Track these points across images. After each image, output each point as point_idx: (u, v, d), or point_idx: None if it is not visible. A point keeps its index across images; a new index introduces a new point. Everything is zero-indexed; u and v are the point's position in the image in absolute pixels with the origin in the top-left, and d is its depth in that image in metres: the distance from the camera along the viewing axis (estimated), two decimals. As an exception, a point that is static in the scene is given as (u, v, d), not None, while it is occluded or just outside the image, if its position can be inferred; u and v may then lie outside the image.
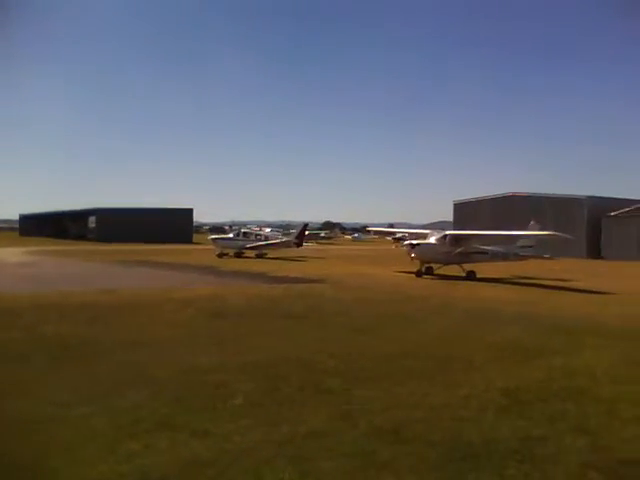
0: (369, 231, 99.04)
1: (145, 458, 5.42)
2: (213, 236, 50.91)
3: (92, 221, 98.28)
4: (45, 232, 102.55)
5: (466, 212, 66.30)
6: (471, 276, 27.72)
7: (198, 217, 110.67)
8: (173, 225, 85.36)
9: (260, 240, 46.69)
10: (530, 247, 31.56)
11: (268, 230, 72.13)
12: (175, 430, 6.17)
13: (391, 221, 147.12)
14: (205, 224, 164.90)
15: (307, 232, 54.46)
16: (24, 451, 5.64)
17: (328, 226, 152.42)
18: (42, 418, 6.48)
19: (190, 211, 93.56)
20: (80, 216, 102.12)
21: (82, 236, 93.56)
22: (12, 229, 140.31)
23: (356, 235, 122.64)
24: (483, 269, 28.82)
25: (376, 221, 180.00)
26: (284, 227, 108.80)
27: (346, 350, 10.46)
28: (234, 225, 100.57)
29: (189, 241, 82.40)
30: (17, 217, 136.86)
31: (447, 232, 30.76)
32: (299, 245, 47.61)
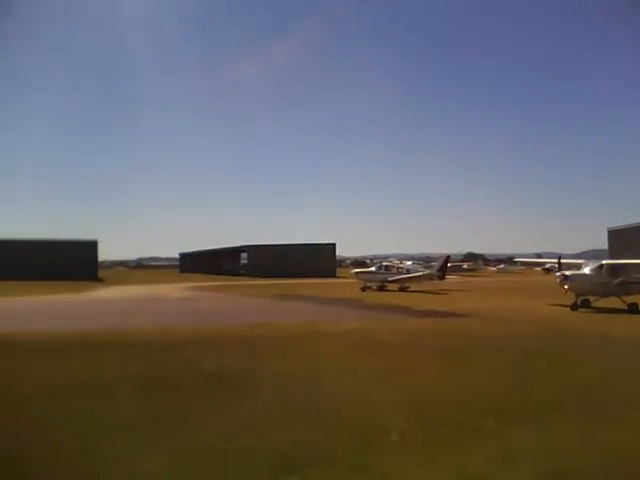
0: (516, 262, 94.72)
1: None
2: (356, 270, 51.89)
3: (244, 257, 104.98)
4: (201, 268, 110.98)
5: (623, 239, 61.26)
6: (634, 309, 25.55)
7: (341, 252, 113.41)
8: (317, 260, 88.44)
9: (402, 273, 46.78)
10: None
11: (409, 263, 71.75)
12: (333, 464, 6.22)
13: (538, 251, 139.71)
14: (347, 258, 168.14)
15: (449, 264, 53.50)
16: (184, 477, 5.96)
17: (471, 257, 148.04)
18: (205, 449, 6.73)
19: (333, 246, 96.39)
20: (232, 253, 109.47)
21: (234, 272, 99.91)
22: (174, 266, 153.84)
23: (501, 266, 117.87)
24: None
25: (521, 251, 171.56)
26: (425, 260, 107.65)
27: (498, 388, 10.02)
28: (375, 259, 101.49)
29: (333, 275, 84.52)
30: (177, 255, 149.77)
31: (604, 261, 28.65)
32: (442, 278, 46.87)
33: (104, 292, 46.27)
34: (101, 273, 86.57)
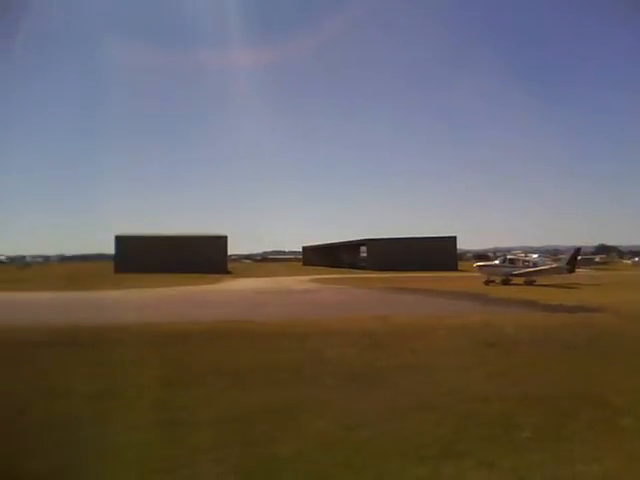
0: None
1: None
2: (479, 263, 50.80)
3: (363, 250, 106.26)
4: (322, 261, 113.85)
5: None
6: None
7: (462, 245, 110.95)
8: (437, 253, 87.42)
9: (528, 266, 45.15)
10: None
11: (535, 256, 68.74)
12: (460, 458, 6.23)
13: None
14: (468, 251, 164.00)
15: (579, 257, 50.73)
16: (314, 465, 6.17)
17: (603, 250, 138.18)
18: (332, 438, 6.94)
19: (454, 239, 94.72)
20: (353, 246, 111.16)
21: (354, 265, 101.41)
22: (297, 259, 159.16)
23: (636, 259, 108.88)
24: None
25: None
26: (551, 252, 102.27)
27: (636, 387, 9.48)
28: (498, 251, 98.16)
29: (454, 268, 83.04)
30: (300, 249, 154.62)
31: None
32: (571, 271, 44.55)
33: (235, 284, 49.32)
34: (230, 266, 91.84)
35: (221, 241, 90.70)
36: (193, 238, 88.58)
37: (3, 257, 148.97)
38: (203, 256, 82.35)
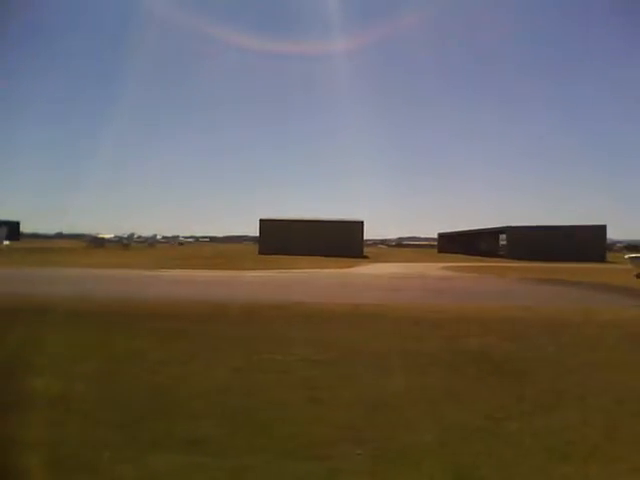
0: None
1: None
2: (631, 255, 47.35)
3: (502, 239, 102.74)
4: (458, 249, 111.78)
5: None
6: None
7: (610, 234, 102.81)
8: (582, 243, 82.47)
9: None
10: None
11: None
12: (609, 461, 6.03)
13: None
14: (618, 241, 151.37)
15: None
16: (457, 456, 6.23)
17: None
18: (475, 428, 6.91)
19: (603, 228, 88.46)
20: (491, 234, 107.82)
21: (492, 253, 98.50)
22: (432, 246, 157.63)
23: None
24: None
25: None
26: None
27: None
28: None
29: (601, 260, 77.61)
30: (436, 235, 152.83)
31: None
32: None
33: (371, 268, 50.60)
34: (365, 251, 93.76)
35: (358, 226, 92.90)
36: (332, 223, 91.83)
37: (160, 236, 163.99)
38: (341, 240, 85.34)
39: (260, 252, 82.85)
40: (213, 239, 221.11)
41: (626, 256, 46.89)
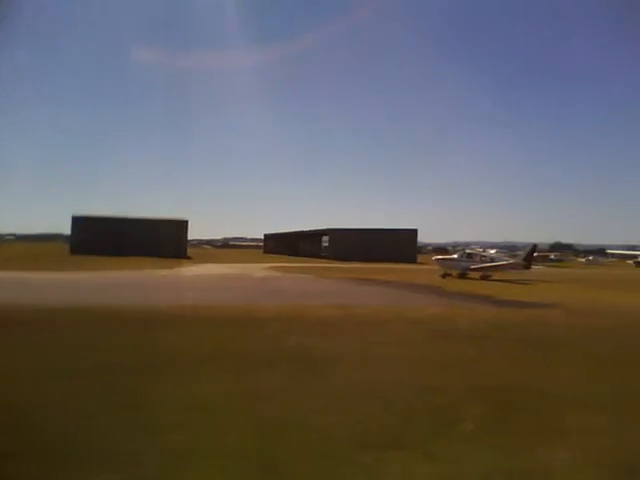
0: (607, 254, 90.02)
1: (376, 472, 5.72)
2: (437, 257, 51.56)
3: (325, 240, 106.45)
4: (284, 250, 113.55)
5: None
6: None
7: (422, 238, 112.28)
8: (399, 245, 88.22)
9: (485, 261, 45.94)
10: None
11: (493, 251, 70.13)
12: (405, 449, 6.35)
13: (632, 243, 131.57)
14: (428, 244, 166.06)
15: (535, 254, 51.94)
16: (267, 451, 6.22)
17: (558, 247, 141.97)
18: (284, 423, 7.06)
19: (415, 232, 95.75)
20: (314, 236, 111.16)
21: (316, 254, 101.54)
22: (258, 247, 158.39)
23: (590, 258, 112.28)
24: None
25: (613, 242, 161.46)
26: (509, 248, 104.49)
27: (585, 380, 9.83)
28: (457, 246, 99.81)
29: (413, 261, 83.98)
30: (262, 236, 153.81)
31: None
32: (527, 267, 45.56)
33: (193, 269, 48.67)
34: (189, 251, 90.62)
35: (181, 225, 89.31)
36: (152, 221, 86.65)
37: None
38: (162, 240, 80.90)
39: (72, 252, 75.19)
40: (26, 237, 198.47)
41: (434, 258, 50.88)
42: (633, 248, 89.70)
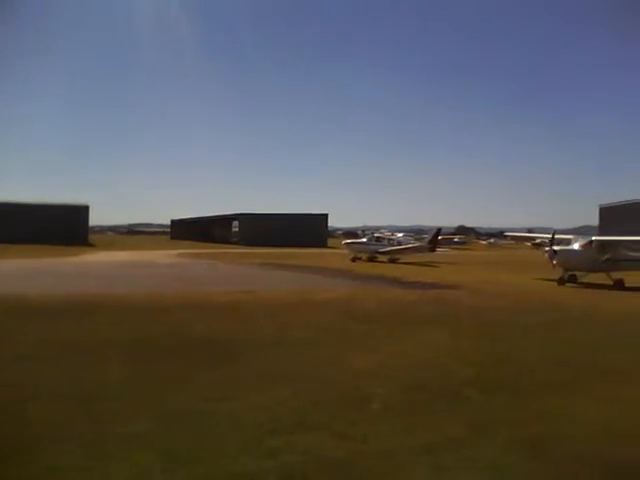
0: (506, 236, 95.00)
1: (286, 455, 5.63)
2: (347, 240, 52.00)
3: (235, 225, 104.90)
4: (193, 236, 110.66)
5: (614, 216, 61.54)
6: (619, 285, 25.85)
7: (332, 222, 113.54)
8: (309, 230, 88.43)
9: (393, 245, 46.90)
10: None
11: (400, 235, 71.86)
12: (315, 430, 6.34)
13: (530, 226, 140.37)
14: (339, 229, 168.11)
15: (440, 237, 53.71)
16: (172, 441, 5.99)
17: (462, 231, 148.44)
18: (191, 411, 6.87)
19: (325, 216, 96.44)
20: (224, 221, 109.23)
21: (226, 240, 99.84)
22: (165, 233, 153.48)
23: (491, 240, 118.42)
24: (634, 278, 26.64)
25: (514, 225, 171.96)
26: (416, 232, 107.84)
27: (483, 358, 10.21)
28: (367, 230, 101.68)
29: (324, 245, 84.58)
30: (169, 222, 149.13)
31: (593, 238, 28.86)
32: (432, 250, 47.03)
33: (95, 257, 46.08)
34: (91, 238, 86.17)
35: (81, 211, 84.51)
36: (49, 207, 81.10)
37: None
38: (61, 227, 75.96)
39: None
40: None
41: (343, 242, 51.28)
42: (530, 231, 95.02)
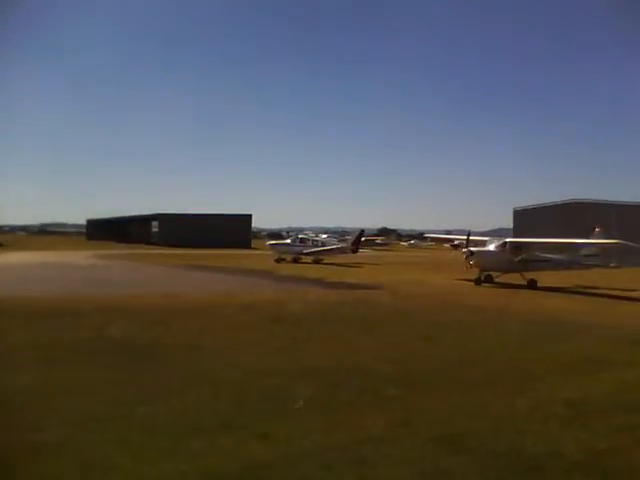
0: (426, 238, 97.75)
1: (208, 458, 5.55)
2: (271, 242, 51.69)
3: (155, 226, 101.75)
4: (110, 236, 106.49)
5: (527, 219, 64.59)
6: (532, 285, 27.14)
7: (256, 223, 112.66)
8: (232, 231, 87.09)
9: (317, 246, 47.07)
10: (595, 256, 30.51)
11: (324, 236, 72.38)
12: (237, 431, 6.29)
13: (449, 228, 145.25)
14: (263, 230, 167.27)
15: (363, 238, 54.45)
16: (87, 448, 5.75)
17: (384, 232, 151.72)
18: (106, 417, 6.63)
19: (249, 217, 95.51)
20: (143, 221, 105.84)
21: (145, 240, 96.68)
22: (80, 233, 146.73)
23: (412, 242, 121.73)
24: (545, 278, 28.10)
25: (434, 228, 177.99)
26: (340, 233, 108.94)
27: (403, 357, 10.49)
28: (291, 231, 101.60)
29: (248, 246, 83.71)
30: (84, 222, 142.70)
31: (507, 239, 30.14)
32: (355, 251, 47.61)
33: (5, 258, 43.20)
34: (1, 238, 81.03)
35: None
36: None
37: None
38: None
39: None
40: None
41: (267, 243, 50.92)
42: (449, 233, 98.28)
